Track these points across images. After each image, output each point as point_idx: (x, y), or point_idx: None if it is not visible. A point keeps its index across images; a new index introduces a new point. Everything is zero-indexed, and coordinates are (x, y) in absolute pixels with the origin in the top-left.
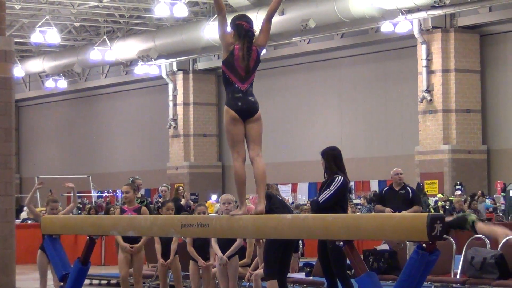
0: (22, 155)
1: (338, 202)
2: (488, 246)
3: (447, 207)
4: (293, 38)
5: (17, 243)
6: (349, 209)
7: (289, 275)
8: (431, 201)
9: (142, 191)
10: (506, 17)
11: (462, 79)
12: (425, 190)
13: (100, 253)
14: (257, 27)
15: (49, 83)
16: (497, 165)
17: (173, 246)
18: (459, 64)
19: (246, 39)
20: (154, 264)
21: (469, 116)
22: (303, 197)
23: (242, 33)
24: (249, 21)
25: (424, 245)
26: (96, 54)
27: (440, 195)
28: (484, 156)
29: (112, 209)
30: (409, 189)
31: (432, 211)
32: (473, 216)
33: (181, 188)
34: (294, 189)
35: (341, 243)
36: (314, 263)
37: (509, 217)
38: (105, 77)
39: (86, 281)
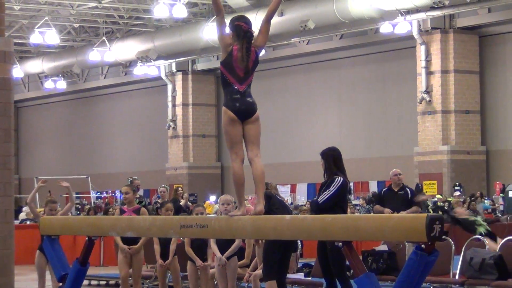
0: (21, 155)
1: (337, 203)
2: (487, 247)
3: (445, 207)
4: (292, 39)
5: (16, 244)
6: (348, 210)
7: (288, 275)
8: (430, 202)
9: (140, 192)
10: (505, 18)
11: (461, 80)
12: (424, 191)
13: (99, 253)
14: (256, 28)
15: (48, 84)
16: (496, 166)
17: (172, 246)
18: (458, 65)
19: (245, 40)
20: (153, 264)
21: (468, 117)
22: (302, 198)
23: (241, 34)
24: (247, 22)
25: (423, 245)
26: (95, 55)
27: (439, 196)
28: (483, 157)
29: (111, 209)
30: (408, 189)
31: (431, 212)
32: (482, 228)
33: (180, 189)
34: (293, 190)
35: (340, 243)
36: (313, 263)
37: (508, 217)
38: (104, 78)
39: (85, 282)
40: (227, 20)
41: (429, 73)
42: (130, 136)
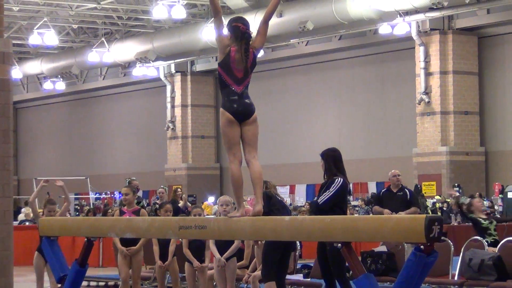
0: (20, 156)
1: (337, 204)
2: (486, 248)
3: (444, 208)
4: (291, 40)
5: (15, 245)
6: (347, 211)
7: (287, 276)
8: (429, 202)
9: (139, 193)
10: (504, 19)
11: (460, 81)
12: (423, 191)
13: (98, 254)
14: (255, 29)
15: (47, 85)
16: (495, 167)
17: (171, 248)
18: (457, 66)
19: (243, 41)
20: (152, 265)
21: (467, 118)
22: (301, 199)
23: (239, 35)
24: (245, 23)
25: (422, 246)
26: (94, 56)
27: (438, 197)
28: (482, 158)
29: (110, 210)
30: (406, 190)
31: (430, 212)
32: (489, 238)
33: (179, 190)
34: (292, 191)
35: (339, 244)
36: (312, 264)
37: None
38: (103, 79)
39: (84, 283)
40: (225, 21)
41: (428, 74)
42: (129, 137)
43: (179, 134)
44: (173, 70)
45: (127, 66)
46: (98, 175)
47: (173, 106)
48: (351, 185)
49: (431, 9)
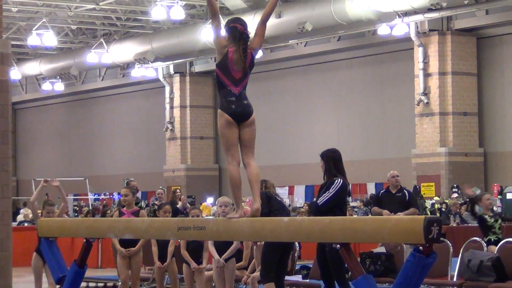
0: (18, 157)
1: (337, 205)
2: (485, 249)
3: (443, 209)
4: (290, 41)
5: (13, 246)
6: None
7: (286, 277)
8: (428, 203)
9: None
10: (503, 20)
11: (459, 81)
12: (422, 192)
13: (96, 255)
14: (253, 30)
15: (46, 86)
16: (494, 168)
17: (170, 248)
18: (456, 67)
19: (242, 41)
20: (151, 266)
21: (466, 119)
22: (300, 200)
23: (236, 36)
24: (243, 24)
25: (421, 247)
26: (93, 56)
27: (436, 198)
28: (481, 159)
29: (109, 211)
30: (405, 191)
31: (429, 213)
32: (492, 236)
33: (178, 190)
34: (291, 192)
35: (338, 245)
36: (311, 265)
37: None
38: (102, 80)
39: (83, 284)
40: (223, 23)
41: (426, 75)
42: (128, 138)
43: (178, 135)
44: (171, 71)
45: (126, 67)
46: (97, 176)
47: (172, 107)
48: (350, 186)
49: (429, 10)
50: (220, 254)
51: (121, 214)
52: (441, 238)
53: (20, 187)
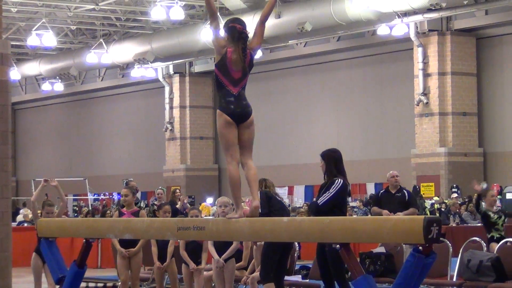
0: (18, 158)
1: (337, 205)
2: (485, 249)
3: (443, 209)
4: (289, 41)
5: (13, 246)
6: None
7: (286, 277)
8: (428, 203)
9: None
10: (503, 20)
11: (458, 82)
12: (422, 193)
13: (96, 256)
14: (252, 30)
15: (46, 86)
16: (493, 168)
17: (170, 249)
18: (455, 67)
19: (241, 41)
20: (151, 267)
21: (466, 119)
22: (299, 200)
23: (235, 35)
24: (242, 23)
25: (420, 247)
26: (93, 57)
27: (436, 198)
28: (481, 159)
29: (108, 211)
30: (405, 191)
31: (428, 213)
32: (495, 233)
33: (178, 191)
34: (290, 192)
35: (338, 246)
36: (310, 265)
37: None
38: (101, 80)
39: (83, 284)
40: (221, 23)
41: (426, 75)
42: (128, 138)
43: (177, 135)
44: (171, 71)
45: (125, 67)
46: (97, 176)
47: (171, 107)
48: (349, 186)
49: (429, 10)
50: (220, 254)
51: (121, 214)
52: (441, 238)
53: (20, 188)
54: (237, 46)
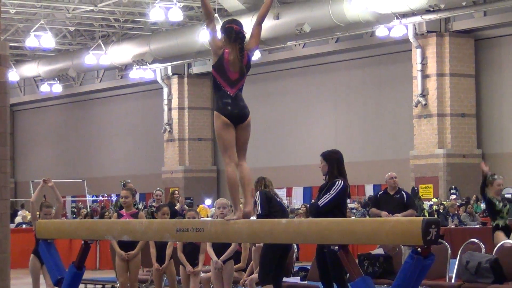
0: (17, 159)
1: (337, 206)
2: (483, 250)
3: (441, 211)
4: (288, 43)
5: (11, 248)
6: None
7: (284, 279)
8: (426, 205)
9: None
10: (501, 21)
11: (457, 83)
12: (420, 194)
13: (95, 257)
14: (250, 31)
15: (44, 87)
16: (492, 169)
17: (168, 250)
18: (454, 69)
19: (238, 41)
20: (149, 268)
21: (464, 121)
22: (298, 202)
23: (232, 36)
24: (239, 24)
25: (419, 249)
26: (91, 58)
27: (434, 199)
28: (479, 160)
29: (107, 213)
30: (403, 193)
31: (427, 215)
32: (501, 221)
33: (176, 192)
34: (289, 193)
35: (336, 247)
36: (309, 267)
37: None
38: (100, 81)
39: (81, 286)
40: (218, 25)
41: (424, 76)
42: (126, 139)
43: (176, 137)
44: (170, 73)
45: (124, 68)
46: (95, 177)
47: (170, 109)
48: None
49: (428, 11)
50: (218, 256)
51: (119, 216)
52: (439, 240)
53: (18, 189)
54: (234, 47)
